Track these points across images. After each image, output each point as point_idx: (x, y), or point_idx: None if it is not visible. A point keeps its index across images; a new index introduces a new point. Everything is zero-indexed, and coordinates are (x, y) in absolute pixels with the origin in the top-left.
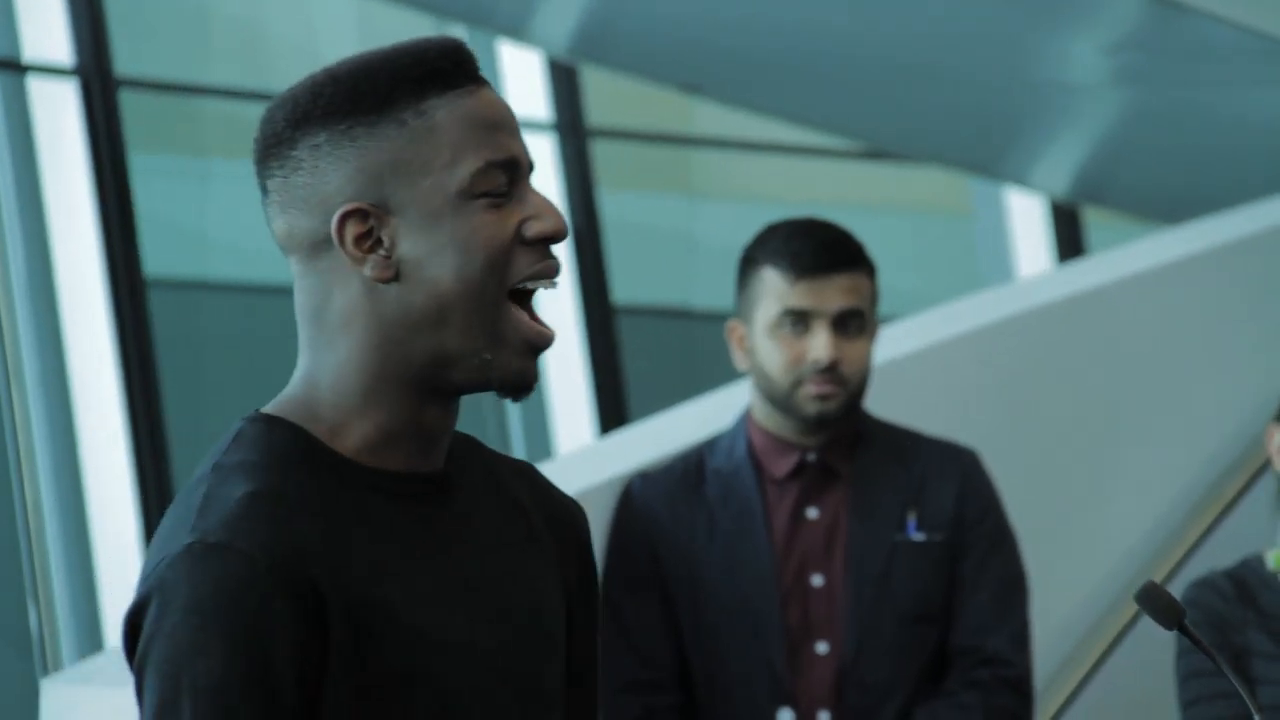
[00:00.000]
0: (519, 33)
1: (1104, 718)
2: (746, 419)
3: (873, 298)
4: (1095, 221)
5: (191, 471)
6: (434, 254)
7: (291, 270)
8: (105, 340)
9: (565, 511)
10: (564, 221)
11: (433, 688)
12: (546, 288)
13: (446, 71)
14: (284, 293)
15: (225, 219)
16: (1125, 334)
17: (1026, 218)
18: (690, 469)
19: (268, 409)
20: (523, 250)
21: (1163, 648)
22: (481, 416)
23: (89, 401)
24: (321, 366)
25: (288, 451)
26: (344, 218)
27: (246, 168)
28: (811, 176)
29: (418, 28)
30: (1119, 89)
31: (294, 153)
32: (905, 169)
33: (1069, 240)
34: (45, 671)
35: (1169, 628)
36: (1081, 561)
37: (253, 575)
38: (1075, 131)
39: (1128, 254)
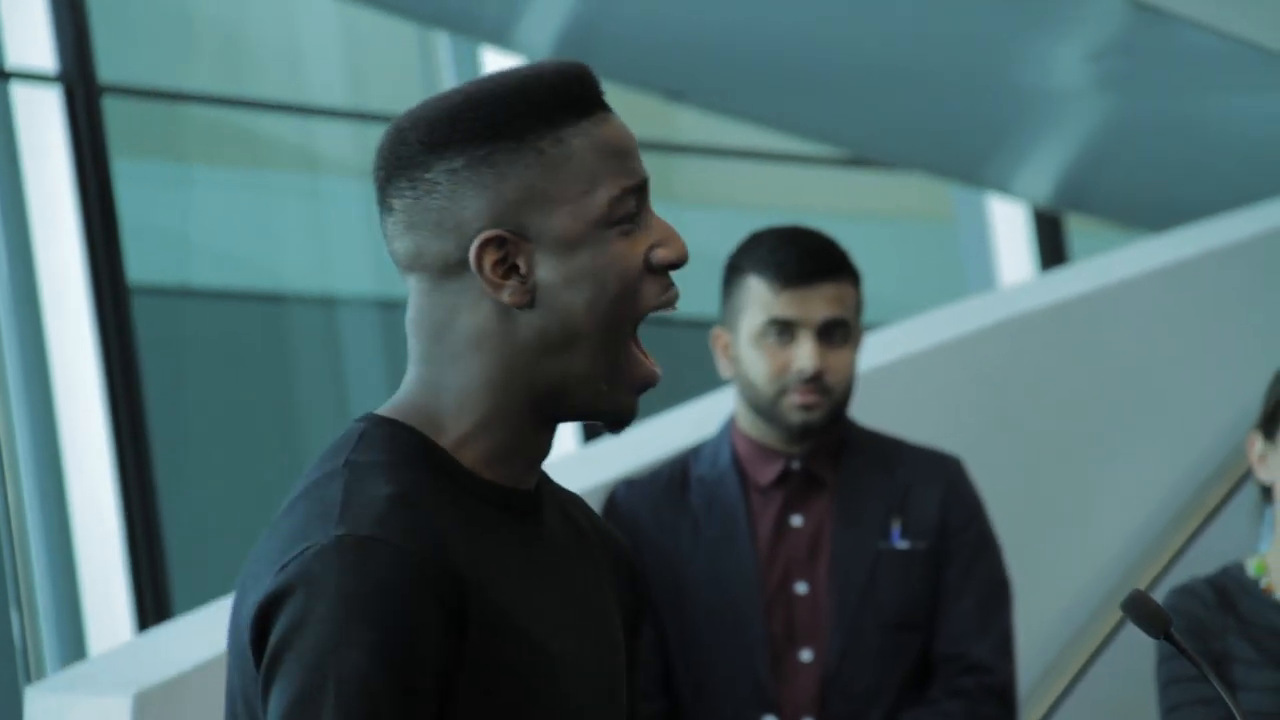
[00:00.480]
0: (502, 40)
1: None
2: (731, 426)
3: (857, 307)
4: (1078, 229)
5: (176, 478)
6: (570, 282)
7: (410, 287)
8: (88, 346)
9: (621, 549)
10: (686, 247)
11: (547, 697)
12: (668, 312)
13: (579, 98)
14: (267, 300)
15: (208, 225)
16: (1108, 341)
17: (1009, 225)
18: (675, 476)
19: (384, 412)
20: (650, 278)
21: (1146, 655)
22: None
23: (72, 408)
24: (443, 380)
25: (416, 456)
26: (484, 244)
27: (230, 174)
28: (795, 184)
29: (401, 34)
30: (1102, 96)
31: (428, 175)
32: (888, 176)
33: (1052, 248)
34: (29, 679)
35: (1155, 636)
36: (1065, 569)
37: (405, 570)
38: (1058, 139)
39: (1110, 262)
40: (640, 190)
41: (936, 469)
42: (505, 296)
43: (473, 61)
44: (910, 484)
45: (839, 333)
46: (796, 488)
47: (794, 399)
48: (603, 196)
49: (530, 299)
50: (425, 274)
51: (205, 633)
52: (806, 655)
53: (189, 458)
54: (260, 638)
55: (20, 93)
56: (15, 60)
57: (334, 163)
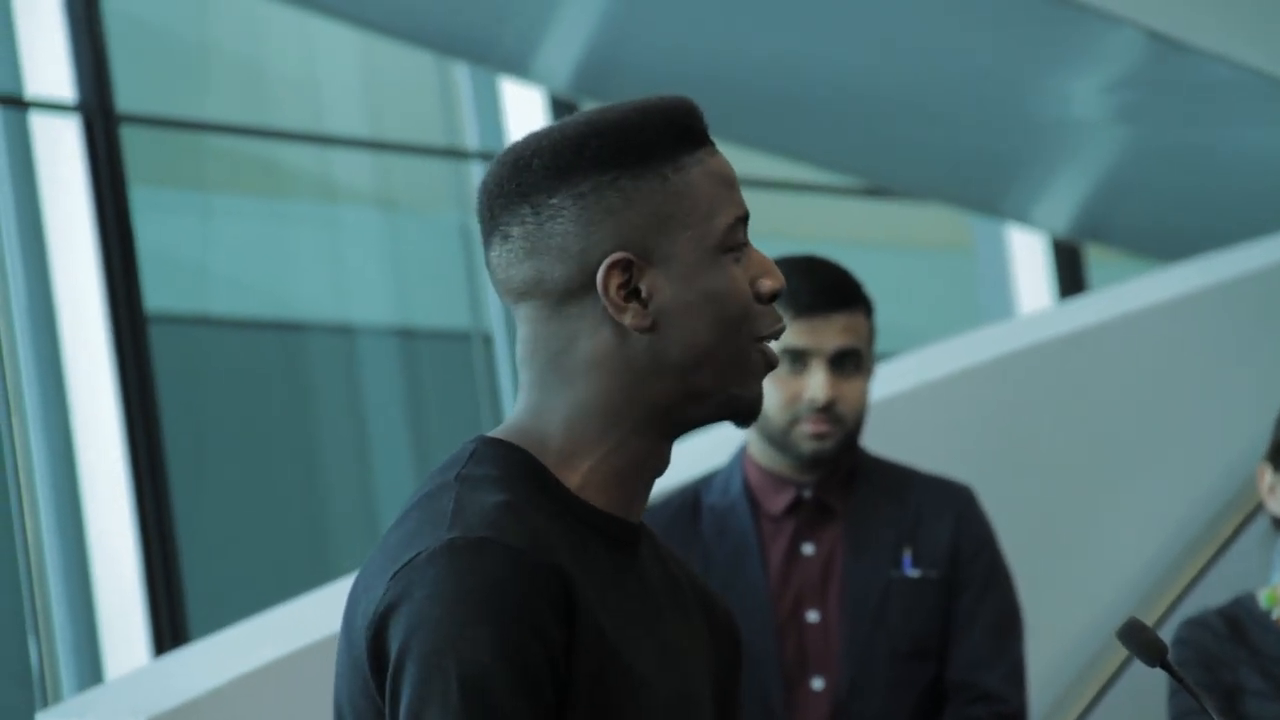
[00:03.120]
0: (521, 70)
1: None
2: (743, 455)
3: (870, 337)
4: (1096, 259)
5: (193, 505)
6: (691, 306)
7: (520, 317)
8: (106, 375)
9: (723, 611)
10: (783, 278)
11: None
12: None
13: (694, 129)
14: (285, 328)
15: (226, 254)
16: (1124, 371)
17: (1028, 255)
18: (686, 505)
19: (495, 434)
20: (758, 307)
21: (1157, 687)
22: None
23: (90, 436)
24: (553, 405)
25: (524, 473)
26: (611, 267)
27: (248, 203)
28: (813, 213)
29: (420, 64)
30: (1120, 127)
31: (553, 200)
32: (907, 206)
33: (1070, 277)
34: (45, 704)
35: (1151, 664)
36: (1077, 599)
37: (517, 568)
38: (1076, 169)
39: (1128, 291)
40: (745, 221)
41: (947, 498)
42: (628, 319)
43: (491, 91)
44: (921, 513)
45: (851, 362)
46: (808, 516)
47: (806, 428)
48: (721, 223)
49: (651, 323)
50: (543, 300)
51: (218, 658)
52: (818, 684)
53: (206, 485)
54: (377, 647)
55: (39, 122)
56: (34, 89)
57: (352, 192)
